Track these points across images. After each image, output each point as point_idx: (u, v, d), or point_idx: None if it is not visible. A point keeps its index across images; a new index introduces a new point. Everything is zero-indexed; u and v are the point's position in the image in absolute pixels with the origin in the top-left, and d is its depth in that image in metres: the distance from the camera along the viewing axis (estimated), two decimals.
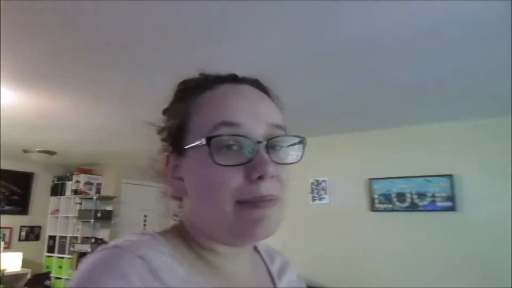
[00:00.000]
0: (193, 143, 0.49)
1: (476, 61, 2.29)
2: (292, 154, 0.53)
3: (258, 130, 0.49)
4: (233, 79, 0.56)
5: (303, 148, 0.54)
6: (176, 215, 0.58)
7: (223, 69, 0.59)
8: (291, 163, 0.52)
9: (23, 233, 5.86)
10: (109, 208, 5.79)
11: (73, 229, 5.77)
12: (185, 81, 0.58)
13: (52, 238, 5.98)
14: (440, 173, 3.42)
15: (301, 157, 0.53)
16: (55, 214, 6.04)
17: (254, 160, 0.47)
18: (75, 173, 5.94)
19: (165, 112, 0.58)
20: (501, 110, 3.20)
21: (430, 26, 1.88)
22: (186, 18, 1.85)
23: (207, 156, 0.47)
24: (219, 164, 0.46)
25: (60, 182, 6.13)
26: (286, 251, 0.78)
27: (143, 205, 6.42)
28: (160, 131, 0.58)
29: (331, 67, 2.39)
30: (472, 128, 3.43)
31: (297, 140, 0.53)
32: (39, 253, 5.94)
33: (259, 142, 0.48)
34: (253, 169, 0.46)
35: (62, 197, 6.03)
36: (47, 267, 5.82)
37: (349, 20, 1.84)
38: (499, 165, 3.28)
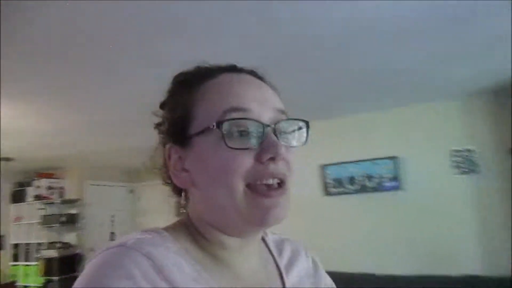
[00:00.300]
0: (197, 130, 0.51)
1: (412, 52, 2.50)
2: (298, 137, 0.54)
3: (265, 114, 0.51)
4: (233, 68, 0.57)
5: (307, 132, 0.55)
6: (183, 208, 0.56)
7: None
8: (297, 146, 0.54)
9: None
10: (73, 211, 5.75)
11: (38, 236, 5.70)
12: (183, 73, 0.58)
13: (16, 246, 5.89)
14: (385, 156, 3.67)
15: (306, 140, 0.55)
16: (17, 222, 5.94)
17: (265, 143, 0.49)
18: (36, 178, 5.85)
19: (163, 105, 0.58)
20: (438, 96, 3.47)
21: (368, 23, 2.06)
22: (131, 21, 1.94)
23: (217, 141, 0.49)
24: (231, 148, 0.48)
25: (20, 188, 6.01)
26: None
27: (110, 205, 6.44)
28: (159, 124, 0.58)
29: (280, 63, 2.53)
30: (413, 113, 3.68)
31: (302, 123, 0.55)
32: (4, 263, 5.84)
33: (267, 126, 0.50)
34: (264, 151, 0.48)
35: (23, 203, 5.92)
36: (14, 275, 5.73)
37: (291, 20, 1.99)
38: (438, 146, 3.56)
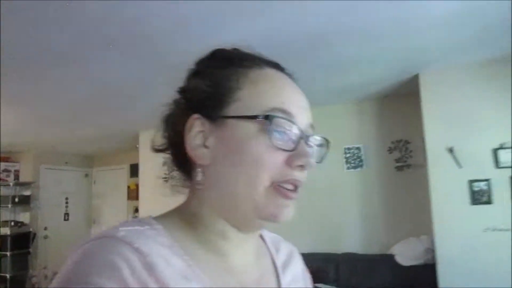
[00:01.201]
0: (241, 114, 0.49)
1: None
2: (318, 154, 0.55)
3: (303, 124, 0.52)
4: (277, 65, 0.56)
5: (326, 151, 0.56)
6: (200, 183, 0.51)
7: None
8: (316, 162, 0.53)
9: None
10: (27, 193, 6.21)
11: None
12: (226, 50, 0.56)
13: None
14: None
15: (323, 159, 0.55)
16: None
17: (299, 149, 0.49)
18: None
19: (197, 73, 0.55)
20: (335, 99, 4.14)
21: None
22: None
23: (257, 132, 0.48)
24: (272, 144, 0.48)
25: None
26: None
27: (64, 188, 6.90)
28: (185, 90, 0.55)
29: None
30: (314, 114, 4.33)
31: (325, 142, 0.56)
32: None
33: (306, 136, 0.51)
34: (297, 157, 0.49)
35: None
36: None
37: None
38: (335, 144, 4.23)
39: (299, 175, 0.50)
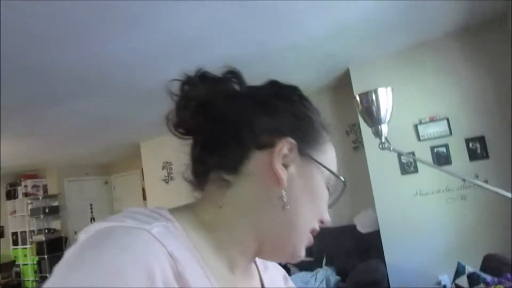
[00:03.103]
0: (325, 165, 0.54)
1: None
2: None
3: None
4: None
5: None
6: (285, 203, 0.50)
7: None
8: None
9: None
10: (55, 203, 7.15)
11: (29, 224, 7.14)
12: (316, 112, 0.58)
13: (15, 233, 7.35)
14: None
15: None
16: (13, 214, 7.38)
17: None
18: (23, 179, 7.23)
19: (286, 97, 0.55)
20: None
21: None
22: None
23: (324, 185, 0.55)
24: (327, 198, 0.55)
25: (12, 188, 7.44)
26: None
27: (87, 196, 7.83)
28: (284, 111, 0.54)
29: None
30: None
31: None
32: (5, 247, 7.31)
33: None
34: (325, 216, 0.56)
35: (16, 200, 7.35)
36: (15, 257, 7.22)
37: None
38: None
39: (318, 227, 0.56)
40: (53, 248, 6.78)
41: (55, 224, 7.22)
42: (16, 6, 1.95)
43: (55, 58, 2.69)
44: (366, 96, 1.84)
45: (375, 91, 1.82)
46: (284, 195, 0.50)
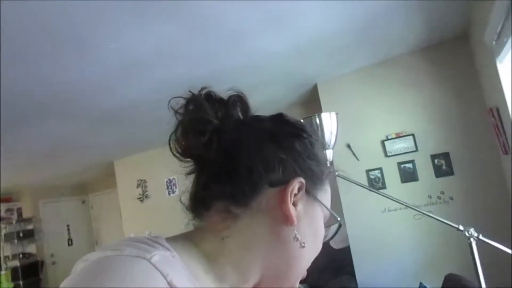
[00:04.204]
0: (325, 204, 0.55)
1: None
2: None
3: None
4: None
5: None
6: (299, 241, 0.51)
7: None
8: None
9: None
10: (30, 227, 6.97)
11: (3, 250, 6.93)
12: (321, 149, 0.59)
13: None
14: None
15: None
16: None
17: None
18: None
19: (309, 143, 0.56)
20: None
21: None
22: None
23: (321, 224, 0.56)
24: (325, 240, 0.58)
25: None
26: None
27: (64, 217, 7.66)
28: (306, 154, 0.54)
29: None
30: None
31: None
32: None
33: None
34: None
35: None
36: None
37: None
38: None
39: None
40: (28, 273, 6.60)
41: (31, 248, 7.03)
42: None
43: (16, 81, 2.62)
44: (310, 120, 1.82)
45: (319, 116, 1.80)
46: (297, 235, 0.51)
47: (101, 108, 3.49)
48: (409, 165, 3.40)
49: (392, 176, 3.47)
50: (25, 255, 6.79)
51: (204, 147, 0.52)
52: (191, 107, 0.54)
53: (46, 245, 7.16)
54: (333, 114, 1.81)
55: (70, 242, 7.67)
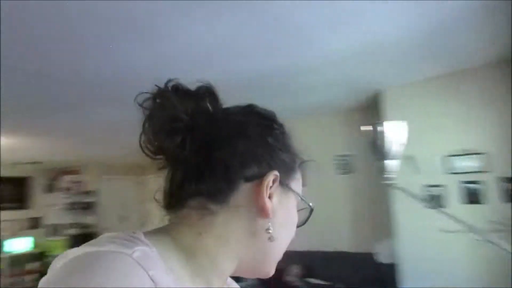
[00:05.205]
0: (298, 193, 0.57)
1: None
2: None
3: None
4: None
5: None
6: (271, 235, 0.52)
7: None
8: None
9: (28, 224, 7.65)
10: (90, 199, 7.46)
11: (64, 218, 7.49)
12: (291, 138, 0.59)
13: (50, 225, 7.75)
14: None
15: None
16: (50, 207, 7.78)
17: None
18: (62, 175, 7.61)
19: (274, 131, 0.56)
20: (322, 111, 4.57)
21: None
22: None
23: (296, 212, 0.58)
24: (298, 226, 0.59)
25: (51, 182, 7.84)
26: None
27: (121, 195, 8.10)
28: (279, 146, 0.55)
29: None
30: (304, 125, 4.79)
31: None
32: (41, 238, 7.72)
33: None
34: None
35: (54, 194, 7.74)
36: (49, 247, 7.60)
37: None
38: (325, 152, 4.67)
39: None
40: (83, 242, 7.03)
41: (88, 220, 7.53)
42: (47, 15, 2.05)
43: (87, 64, 2.82)
44: (373, 128, 1.73)
45: (382, 125, 1.71)
46: (270, 227, 0.52)
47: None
48: (474, 186, 3.14)
49: (453, 195, 3.24)
50: (82, 225, 7.28)
51: (178, 148, 0.51)
52: (158, 101, 0.52)
53: (102, 218, 7.63)
54: (403, 124, 1.71)
55: (123, 219, 8.10)
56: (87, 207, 7.38)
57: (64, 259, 0.42)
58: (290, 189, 0.55)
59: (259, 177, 0.52)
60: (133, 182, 8.48)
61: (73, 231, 7.17)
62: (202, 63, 2.87)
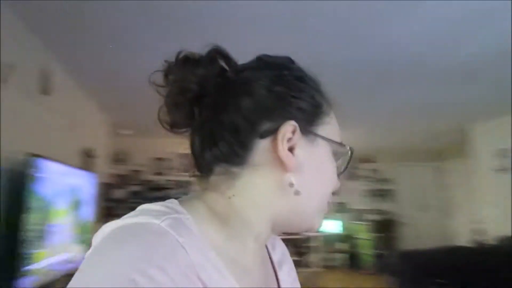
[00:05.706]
0: (330, 138, 0.53)
1: None
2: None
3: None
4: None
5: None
6: (297, 190, 0.50)
7: None
8: None
9: (337, 208, 8.55)
10: (386, 187, 7.57)
11: (365, 204, 7.90)
12: (312, 81, 0.54)
13: (356, 210, 8.34)
14: None
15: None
16: (353, 193, 8.38)
17: (340, 178, 0.57)
18: (361, 163, 8.07)
19: (303, 79, 0.53)
20: None
21: None
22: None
23: (331, 156, 0.53)
24: (336, 171, 0.55)
25: (354, 170, 8.43)
26: None
27: (417, 182, 7.78)
28: (294, 94, 0.51)
29: None
30: None
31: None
32: (347, 223, 8.43)
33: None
34: (339, 188, 0.56)
35: (356, 181, 8.30)
36: (355, 230, 8.21)
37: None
38: None
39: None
40: (383, 228, 7.21)
41: (386, 206, 7.64)
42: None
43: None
44: None
45: None
46: (293, 181, 0.50)
47: (447, 65, 3.21)
48: None
49: None
50: (381, 211, 7.46)
51: (187, 118, 0.52)
52: (171, 78, 0.52)
53: (399, 205, 7.55)
54: None
55: (423, 207, 7.72)
56: (385, 194, 7.50)
57: (102, 234, 0.43)
58: (317, 135, 0.52)
59: (274, 131, 0.49)
60: (428, 169, 7.95)
61: (374, 217, 7.45)
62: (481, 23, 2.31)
